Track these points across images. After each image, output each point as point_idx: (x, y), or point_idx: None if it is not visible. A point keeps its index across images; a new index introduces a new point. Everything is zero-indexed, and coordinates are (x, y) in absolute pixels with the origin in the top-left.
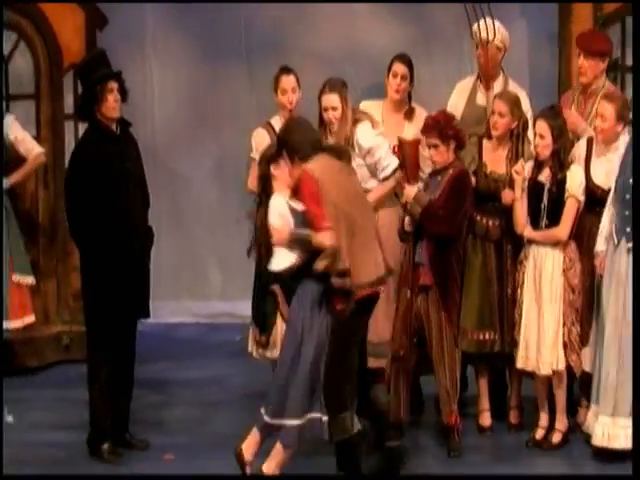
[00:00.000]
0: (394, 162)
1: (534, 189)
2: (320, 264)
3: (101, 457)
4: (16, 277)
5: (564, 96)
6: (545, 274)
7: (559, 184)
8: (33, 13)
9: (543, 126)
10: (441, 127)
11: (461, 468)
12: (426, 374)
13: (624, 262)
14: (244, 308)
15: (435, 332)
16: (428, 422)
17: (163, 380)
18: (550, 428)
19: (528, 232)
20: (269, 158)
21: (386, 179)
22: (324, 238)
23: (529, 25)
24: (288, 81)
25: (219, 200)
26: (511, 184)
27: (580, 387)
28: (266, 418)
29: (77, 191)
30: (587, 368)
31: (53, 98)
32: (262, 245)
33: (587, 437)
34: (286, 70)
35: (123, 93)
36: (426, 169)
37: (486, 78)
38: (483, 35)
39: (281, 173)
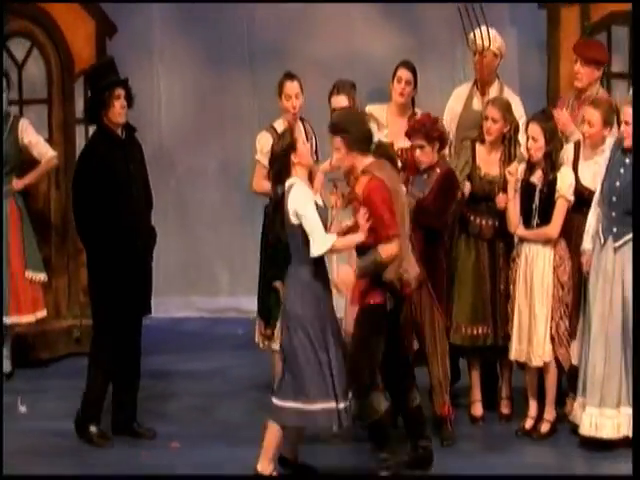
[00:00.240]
0: None
1: (526, 190)
2: (391, 273)
3: (89, 440)
4: (29, 274)
5: (562, 98)
6: (536, 271)
7: (550, 185)
8: (46, 21)
9: (536, 129)
10: (427, 129)
11: (454, 456)
12: (418, 366)
13: (610, 260)
14: (248, 303)
15: (428, 325)
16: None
17: (169, 372)
18: (539, 418)
19: (520, 231)
20: (288, 147)
21: None
22: (395, 247)
23: (519, 33)
24: (292, 87)
25: (223, 200)
26: (505, 186)
27: (568, 380)
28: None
29: (84, 192)
30: (575, 361)
31: (64, 103)
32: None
33: (574, 427)
34: (290, 76)
35: (129, 99)
36: None
37: (482, 84)
38: (479, 42)
39: (303, 156)
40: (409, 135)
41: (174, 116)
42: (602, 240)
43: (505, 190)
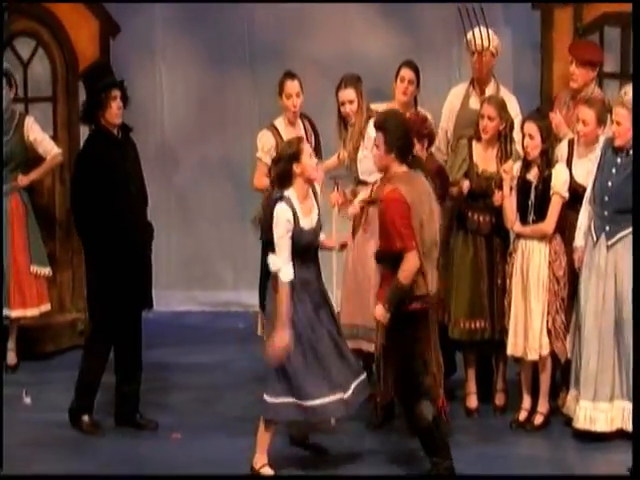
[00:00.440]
0: None
1: (522, 187)
2: (406, 280)
3: (80, 429)
4: (34, 268)
5: (559, 96)
6: (532, 266)
7: (545, 182)
8: (51, 21)
9: (532, 127)
10: (417, 127)
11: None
12: None
13: (603, 256)
14: (250, 297)
15: None
16: None
17: (171, 364)
18: (532, 410)
19: (517, 227)
20: (291, 156)
21: None
22: (414, 257)
23: (513, 34)
24: (292, 86)
25: (224, 196)
26: (501, 183)
27: (562, 373)
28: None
29: (82, 191)
30: (568, 355)
31: (69, 101)
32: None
33: (567, 419)
34: (290, 75)
35: (125, 100)
36: None
37: (480, 83)
38: (479, 42)
39: (306, 169)
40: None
41: (176, 114)
42: (594, 238)
43: (501, 187)
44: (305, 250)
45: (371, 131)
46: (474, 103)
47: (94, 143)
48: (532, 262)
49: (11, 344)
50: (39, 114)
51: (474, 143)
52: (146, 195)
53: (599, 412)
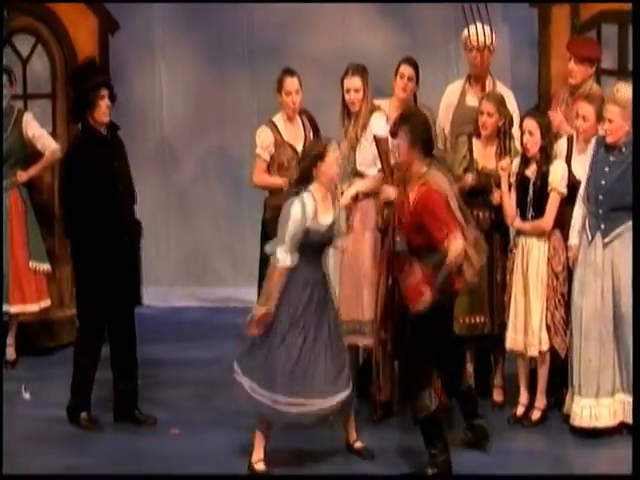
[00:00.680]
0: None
1: (521, 183)
2: (458, 262)
3: (79, 425)
4: (33, 264)
5: (557, 93)
6: (532, 261)
7: (543, 178)
8: (50, 19)
9: (532, 124)
10: None
11: None
12: None
13: (600, 254)
14: (248, 293)
15: None
16: None
17: (169, 360)
18: (530, 406)
19: (517, 223)
20: (317, 155)
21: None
22: (461, 239)
23: (511, 31)
24: (292, 83)
25: (223, 193)
26: (499, 180)
27: (556, 370)
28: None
29: (71, 189)
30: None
31: (68, 98)
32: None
33: (565, 415)
34: (290, 72)
35: (113, 99)
36: None
37: (478, 80)
38: (480, 39)
39: (328, 170)
40: (393, 131)
41: (175, 111)
42: (589, 237)
43: (499, 186)
44: (312, 250)
45: (375, 128)
46: (471, 100)
47: (82, 142)
48: (531, 258)
49: (10, 340)
50: (38, 111)
51: (474, 140)
52: (134, 193)
53: (602, 408)
